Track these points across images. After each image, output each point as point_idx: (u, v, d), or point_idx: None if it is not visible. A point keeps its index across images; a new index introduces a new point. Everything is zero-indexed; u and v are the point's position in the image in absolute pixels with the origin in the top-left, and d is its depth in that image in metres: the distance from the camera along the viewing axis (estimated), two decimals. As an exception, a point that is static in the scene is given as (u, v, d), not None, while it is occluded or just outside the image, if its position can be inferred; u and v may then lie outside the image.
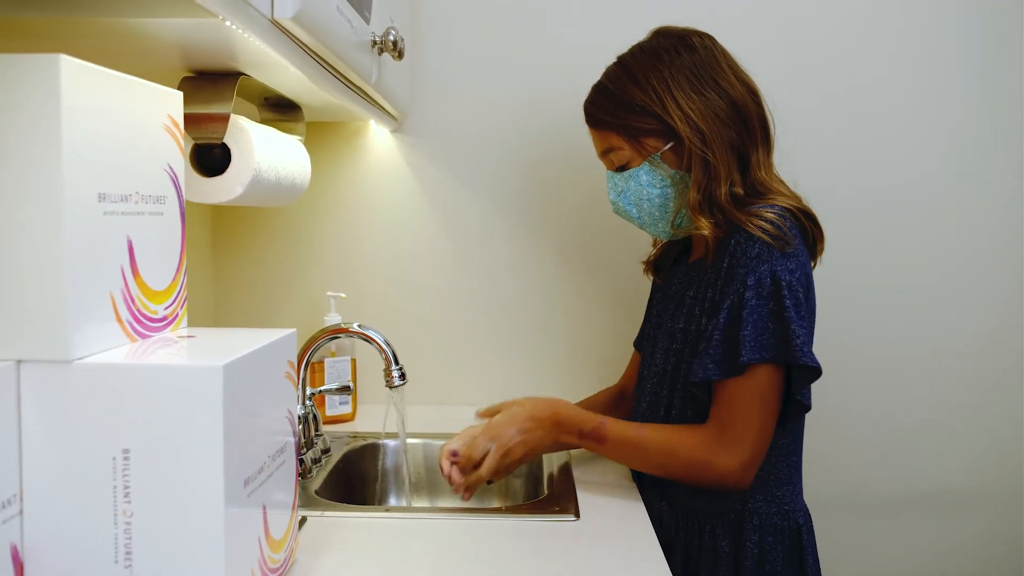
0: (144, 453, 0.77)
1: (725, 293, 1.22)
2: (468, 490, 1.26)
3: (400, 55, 1.33)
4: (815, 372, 1.19)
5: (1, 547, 0.74)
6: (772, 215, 1.21)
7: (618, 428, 1.25)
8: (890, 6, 1.85)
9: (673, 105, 1.25)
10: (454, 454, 1.26)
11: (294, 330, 0.99)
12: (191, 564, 0.78)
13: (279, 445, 0.94)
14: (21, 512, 0.77)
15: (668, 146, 1.27)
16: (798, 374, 1.20)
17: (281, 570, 0.96)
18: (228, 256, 1.91)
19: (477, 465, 1.25)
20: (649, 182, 1.30)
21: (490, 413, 1.32)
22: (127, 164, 0.84)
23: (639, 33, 1.37)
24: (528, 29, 1.85)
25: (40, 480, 0.77)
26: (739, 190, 1.24)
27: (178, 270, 0.96)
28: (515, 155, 1.86)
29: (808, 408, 1.23)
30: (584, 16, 1.84)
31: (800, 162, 1.77)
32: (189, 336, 0.92)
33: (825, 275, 1.80)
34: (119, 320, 0.83)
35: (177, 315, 0.96)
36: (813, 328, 1.26)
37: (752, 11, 1.84)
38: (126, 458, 0.77)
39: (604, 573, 1.02)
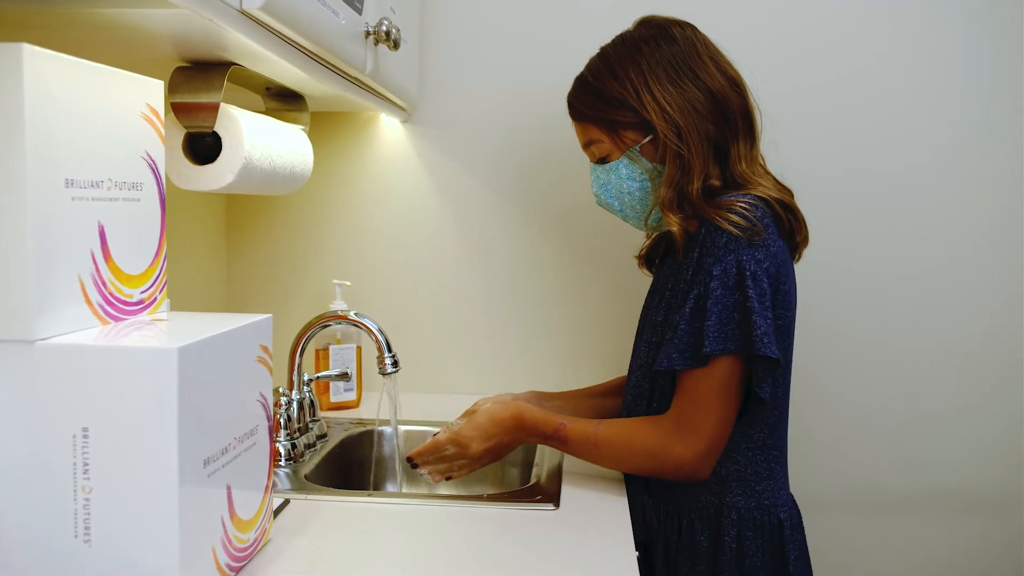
0: (103, 431, 0.79)
1: (693, 283, 1.22)
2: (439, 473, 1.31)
3: (395, 45, 1.34)
4: (775, 364, 1.18)
5: (-36, 519, 0.78)
6: (741, 205, 1.20)
7: (578, 427, 1.26)
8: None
9: (649, 98, 1.25)
10: (410, 460, 1.32)
11: (269, 316, 1.01)
12: (147, 540, 0.80)
13: (248, 427, 0.96)
14: (-15, 486, 0.80)
15: (647, 139, 1.27)
16: (759, 365, 1.19)
17: (250, 550, 0.98)
18: (242, 244, 1.94)
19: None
20: (629, 175, 1.30)
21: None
22: (98, 151, 0.86)
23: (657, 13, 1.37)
24: (540, 19, 1.86)
25: (3, 456, 0.80)
26: (716, 182, 1.24)
27: (157, 255, 0.98)
28: (526, 146, 1.87)
29: (763, 402, 1.22)
30: (597, 6, 1.83)
31: (800, 153, 1.79)
32: (162, 320, 0.95)
33: (828, 268, 1.82)
34: (88, 303, 0.85)
35: (155, 299, 0.98)
36: (791, 319, 1.26)
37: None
38: (85, 436, 0.79)
39: (572, 560, 1.03)
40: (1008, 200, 1.84)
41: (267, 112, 1.47)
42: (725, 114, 1.26)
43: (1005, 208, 1.84)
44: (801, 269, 1.69)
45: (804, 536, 1.33)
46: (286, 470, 1.35)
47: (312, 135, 1.53)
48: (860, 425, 1.89)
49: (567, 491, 1.26)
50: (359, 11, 1.26)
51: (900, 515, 1.89)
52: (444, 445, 1.30)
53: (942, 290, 1.86)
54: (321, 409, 1.67)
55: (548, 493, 1.24)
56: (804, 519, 1.36)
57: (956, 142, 1.84)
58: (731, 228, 1.18)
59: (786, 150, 1.79)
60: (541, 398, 1.51)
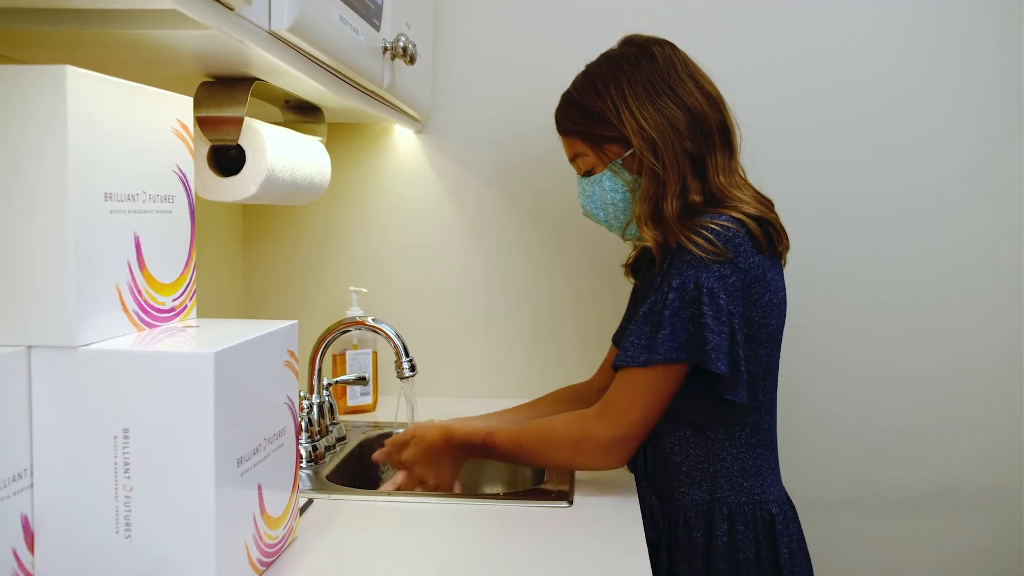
0: (143, 432, 0.83)
1: (656, 291, 1.27)
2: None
3: (411, 60, 1.38)
4: (723, 378, 1.22)
5: (13, 517, 0.82)
6: (709, 230, 1.24)
7: (504, 432, 1.32)
8: (893, 15, 1.88)
9: (627, 114, 1.30)
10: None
11: (295, 322, 1.05)
12: (185, 535, 0.84)
13: (277, 428, 1.00)
14: (31, 485, 0.84)
15: (628, 152, 1.33)
16: (720, 378, 1.23)
17: (279, 546, 1.02)
18: (259, 252, 1.99)
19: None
20: (612, 187, 1.35)
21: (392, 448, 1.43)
22: (134, 166, 0.91)
23: (660, 32, 1.42)
24: (551, 32, 1.90)
25: (48, 456, 0.84)
26: (696, 197, 1.28)
27: (187, 264, 1.02)
28: (537, 154, 1.91)
29: (739, 407, 1.26)
30: (606, 16, 1.88)
31: (805, 169, 1.83)
32: (194, 326, 0.99)
33: (833, 282, 1.90)
34: (125, 310, 0.90)
35: (186, 306, 1.02)
36: (776, 326, 1.31)
37: (756, 14, 1.89)
38: (126, 437, 0.83)
39: (587, 555, 1.07)
40: (1011, 211, 1.89)
41: (285, 124, 1.52)
42: (703, 129, 1.31)
43: (1008, 221, 1.89)
44: (810, 283, 1.76)
45: (800, 531, 1.37)
46: (308, 471, 1.39)
47: (327, 145, 1.57)
48: (860, 428, 1.94)
49: (579, 490, 1.30)
50: (377, 28, 1.30)
51: (899, 513, 1.94)
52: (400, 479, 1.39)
53: (941, 302, 1.91)
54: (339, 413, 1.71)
55: (561, 492, 1.28)
56: (807, 518, 1.40)
57: (960, 163, 1.89)
58: (695, 250, 1.23)
59: (795, 170, 1.86)
60: (475, 419, 1.55)
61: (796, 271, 1.80)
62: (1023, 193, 1.88)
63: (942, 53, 1.87)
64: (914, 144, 1.89)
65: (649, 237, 1.31)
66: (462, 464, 1.38)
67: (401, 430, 1.61)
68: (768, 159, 1.84)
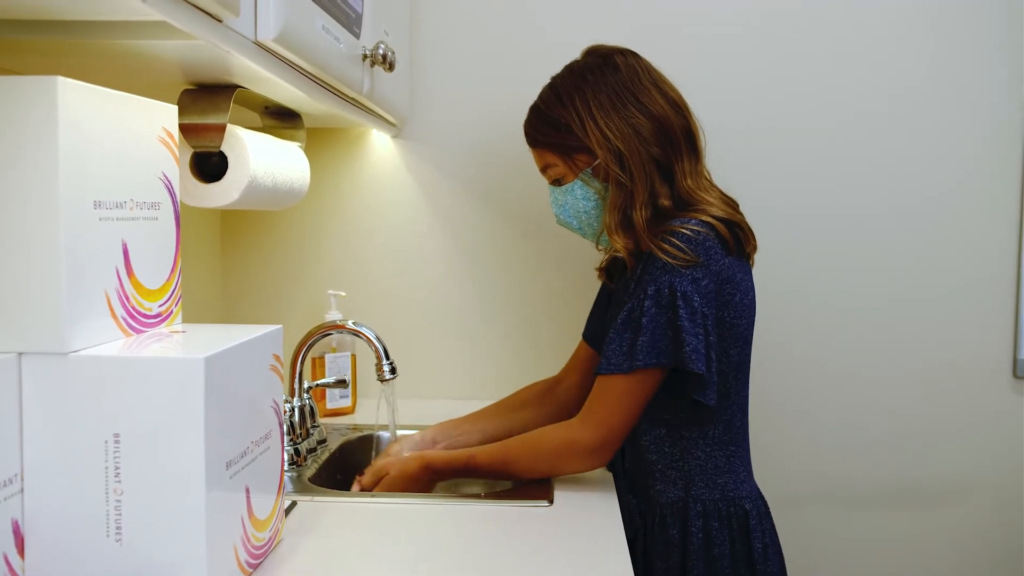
0: (133, 437, 0.85)
1: (631, 296, 1.30)
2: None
3: (391, 67, 1.40)
4: (701, 378, 1.26)
5: (3, 522, 0.82)
6: (679, 235, 1.27)
7: (487, 451, 1.36)
8: (896, 27, 1.92)
9: (592, 126, 1.32)
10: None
11: (280, 326, 1.07)
12: (175, 539, 0.85)
13: (263, 432, 1.01)
14: (22, 490, 0.85)
15: (597, 161, 1.34)
16: (691, 378, 1.27)
17: (266, 548, 1.04)
18: (237, 257, 1.99)
19: None
20: (583, 195, 1.38)
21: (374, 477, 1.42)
22: (122, 174, 0.92)
23: (635, 37, 1.44)
24: (526, 36, 1.92)
25: (39, 461, 0.85)
26: (665, 202, 1.31)
27: (172, 270, 1.03)
28: (510, 158, 1.93)
29: (709, 407, 1.29)
30: (583, 23, 1.90)
31: (793, 176, 1.87)
32: (181, 331, 1.00)
33: (809, 288, 1.93)
34: (114, 316, 0.91)
35: (172, 312, 1.03)
36: (746, 325, 1.34)
37: (744, 17, 1.91)
38: (117, 442, 0.85)
39: (568, 552, 1.10)
40: (1002, 215, 1.94)
41: (263, 129, 1.53)
42: (668, 136, 1.33)
43: (992, 223, 1.95)
44: (788, 290, 1.79)
45: (773, 526, 1.41)
46: (290, 474, 1.40)
47: (305, 150, 1.59)
48: (830, 427, 1.98)
49: (559, 489, 1.33)
50: (357, 36, 1.32)
51: (868, 508, 1.99)
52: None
53: (916, 310, 1.96)
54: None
55: (542, 491, 1.31)
56: (779, 513, 1.44)
57: (948, 174, 1.94)
58: (666, 258, 1.26)
59: (783, 180, 1.89)
60: (451, 427, 1.56)
61: (775, 277, 1.84)
62: (1010, 203, 1.93)
63: (939, 68, 1.92)
64: (903, 158, 1.93)
65: (621, 246, 1.33)
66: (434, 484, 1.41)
67: (384, 432, 1.63)
68: (756, 169, 1.88)
